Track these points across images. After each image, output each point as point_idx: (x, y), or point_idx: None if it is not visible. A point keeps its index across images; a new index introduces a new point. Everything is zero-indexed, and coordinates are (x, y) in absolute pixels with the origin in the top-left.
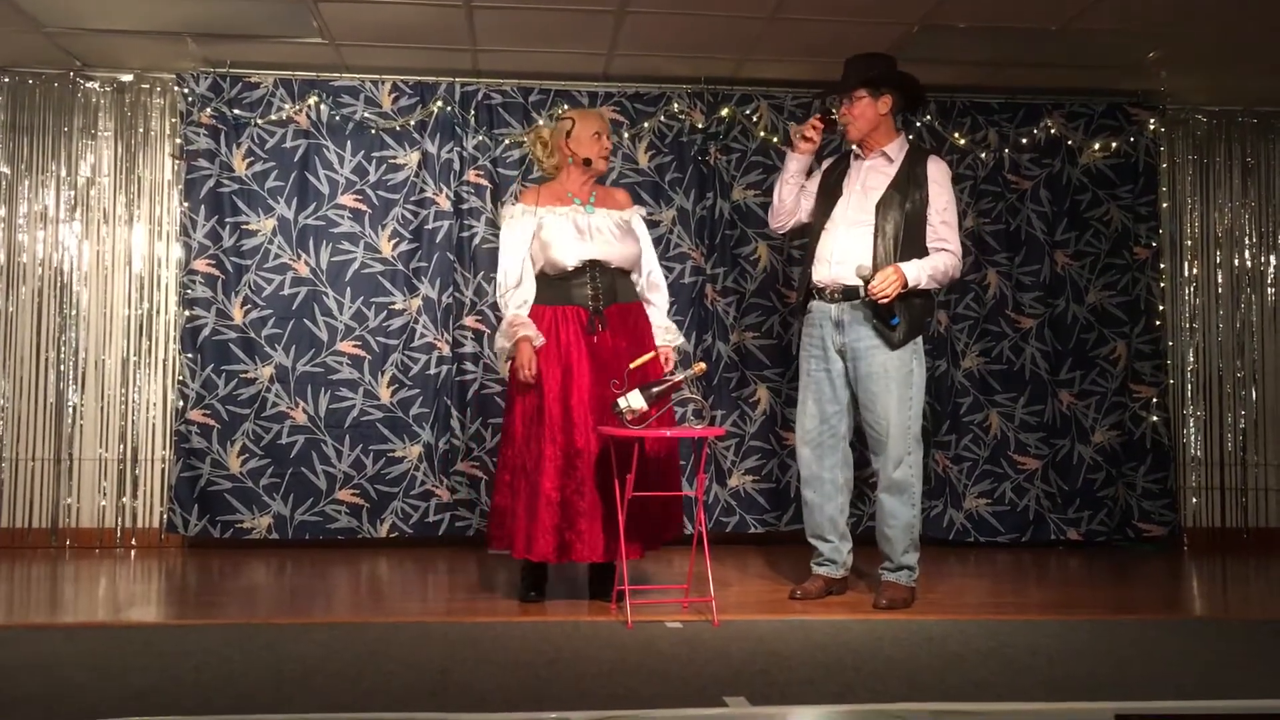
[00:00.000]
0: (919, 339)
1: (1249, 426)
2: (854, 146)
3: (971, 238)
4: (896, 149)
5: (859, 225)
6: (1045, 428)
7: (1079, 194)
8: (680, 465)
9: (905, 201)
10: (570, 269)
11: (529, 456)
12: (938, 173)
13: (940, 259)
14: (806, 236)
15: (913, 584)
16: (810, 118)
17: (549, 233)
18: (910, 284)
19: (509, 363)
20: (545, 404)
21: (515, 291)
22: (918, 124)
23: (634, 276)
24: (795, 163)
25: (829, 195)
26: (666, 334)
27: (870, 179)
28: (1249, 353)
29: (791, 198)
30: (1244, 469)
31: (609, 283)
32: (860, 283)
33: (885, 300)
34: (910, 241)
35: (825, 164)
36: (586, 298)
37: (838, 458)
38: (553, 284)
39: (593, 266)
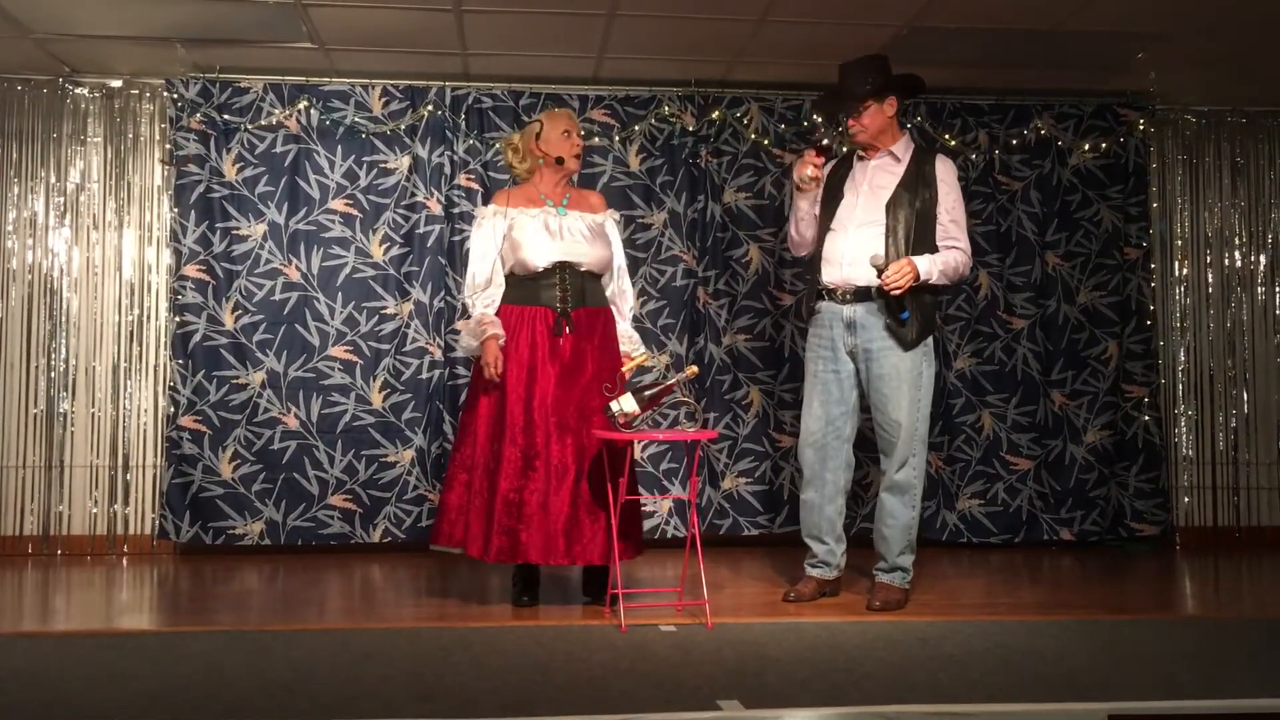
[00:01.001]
0: (930, 341)
1: (1240, 425)
2: (859, 150)
3: None
4: (903, 148)
5: (869, 225)
6: (1037, 428)
7: (1069, 195)
8: (669, 469)
9: (915, 200)
10: (540, 270)
11: (490, 456)
12: (946, 172)
13: (952, 255)
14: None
15: (906, 586)
16: (805, 154)
17: (520, 233)
18: (922, 277)
19: (476, 361)
20: (508, 405)
21: (483, 292)
22: (908, 126)
23: (604, 280)
24: (805, 200)
25: (832, 198)
26: (629, 343)
27: (878, 179)
28: (1240, 352)
29: (810, 231)
30: (1236, 468)
31: (578, 285)
32: (874, 273)
33: (898, 292)
34: (921, 240)
35: (826, 167)
36: (554, 299)
37: (841, 460)
38: (522, 284)
39: (562, 268)
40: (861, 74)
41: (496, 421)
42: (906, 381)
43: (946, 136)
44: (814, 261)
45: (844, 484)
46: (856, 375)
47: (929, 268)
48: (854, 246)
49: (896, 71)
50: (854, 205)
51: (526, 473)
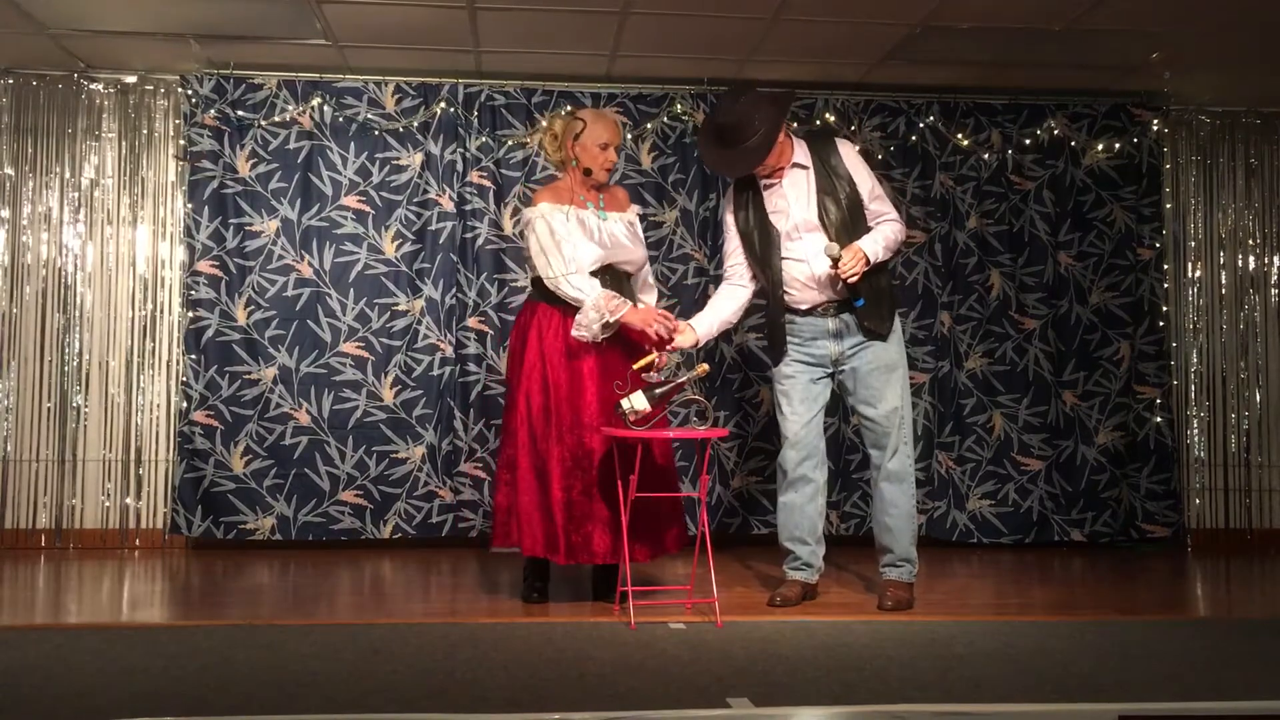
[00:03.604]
0: (899, 326)
1: (1252, 427)
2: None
3: (975, 238)
4: (804, 154)
5: (820, 241)
6: (1049, 429)
7: (1082, 195)
8: (678, 467)
9: (840, 196)
10: (588, 274)
11: (536, 457)
12: (850, 153)
13: (887, 228)
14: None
15: (913, 580)
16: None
17: (571, 234)
18: (871, 260)
19: (509, 362)
20: (552, 405)
21: (587, 277)
22: (921, 125)
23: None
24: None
25: (765, 232)
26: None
27: (797, 194)
28: (1252, 354)
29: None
30: (1247, 470)
31: (618, 287)
32: (836, 268)
33: (854, 279)
34: (857, 229)
35: (729, 210)
36: None
37: (818, 458)
38: None
39: (605, 270)
40: (749, 120)
41: (542, 421)
42: (895, 372)
43: (959, 136)
44: (775, 288)
45: (822, 483)
46: (833, 379)
47: (874, 248)
48: (822, 266)
49: (773, 93)
50: (799, 231)
51: (576, 473)
